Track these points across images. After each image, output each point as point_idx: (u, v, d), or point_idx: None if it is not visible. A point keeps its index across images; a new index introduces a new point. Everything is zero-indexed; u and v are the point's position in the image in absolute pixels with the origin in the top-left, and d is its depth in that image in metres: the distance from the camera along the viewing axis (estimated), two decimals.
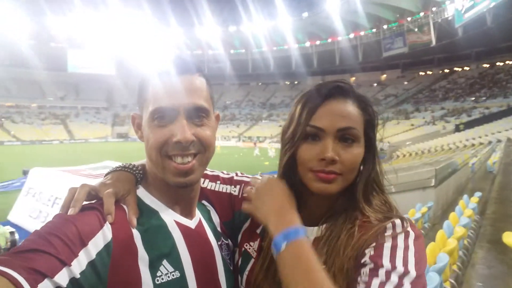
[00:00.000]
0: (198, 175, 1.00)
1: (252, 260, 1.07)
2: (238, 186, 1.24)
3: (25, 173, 16.67)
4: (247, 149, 44.93)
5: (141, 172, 1.07)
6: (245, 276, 1.06)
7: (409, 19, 55.25)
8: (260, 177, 1.14)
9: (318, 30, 65.33)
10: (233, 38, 75.83)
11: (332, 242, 0.92)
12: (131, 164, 1.09)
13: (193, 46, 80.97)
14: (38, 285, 0.69)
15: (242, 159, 33.13)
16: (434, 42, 52.58)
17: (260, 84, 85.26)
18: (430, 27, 52.11)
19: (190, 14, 66.37)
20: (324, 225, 0.98)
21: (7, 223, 11.27)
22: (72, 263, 0.75)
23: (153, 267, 0.90)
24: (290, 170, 1.01)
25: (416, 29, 54.33)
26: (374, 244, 0.84)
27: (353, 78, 74.24)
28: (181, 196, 1.04)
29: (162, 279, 0.90)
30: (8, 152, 39.73)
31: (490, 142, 27.73)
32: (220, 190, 1.24)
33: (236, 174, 1.29)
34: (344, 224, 0.94)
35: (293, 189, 1.00)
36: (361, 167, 0.99)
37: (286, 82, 80.00)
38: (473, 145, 28.35)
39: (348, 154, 0.93)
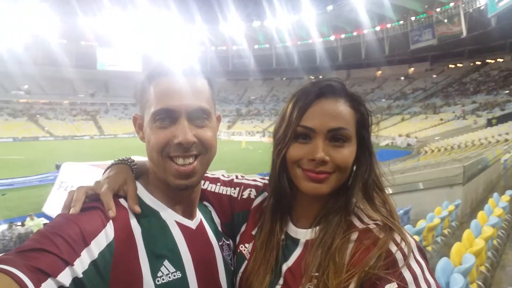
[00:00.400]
0: (199, 177, 1.01)
1: (246, 262, 1.07)
2: (237, 189, 1.26)
3: (57, 167, 17.37)
4: (271, 145, 45.06)
5: (135, 163, 1.09)
6: (238, 277, 1.07)
7: (438, 10, 53.35)
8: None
9: (343, 23, 64.22)
10: (257, 33, 75.75)
11: (325, 245, 0.91)
12: (126, 157, 1.12)
13: (218, 42, 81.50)
14: (42, 284, 0.69)
15: (266, 154, 33.54)
16: (465, 33, 50.53)
17: (284, 79, 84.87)
18: (461, 18, 50.09)
19: (215, 10, 66.69)
20: (318, 227, 0.97)
21: (42, 215, 11.87)
22: (74, 263, 0.76)
23: (154, 267, 0.90)
24: (282, 170, 1.00)
25: (445, 20, 52.39)
26: (395, 285, 0.78)
27: (379, 72, 72.74)
28: (182, 196, 1.04)
29: (163, 279, 0.90)
30: (43, 147, 41.50)
31: None
32: (220, 192, 1.25)
33: (236, 177, 1.32)
34: (338, 227, 0.93)
35: (286, 190, 1.00)
36: (354, 167, 0.98)
37: (311, 77, 79.15)
38: (506, 140, 27.18)
39: (339, 154, 0.92)
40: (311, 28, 65.09)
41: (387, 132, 45.83)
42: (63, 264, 0.74)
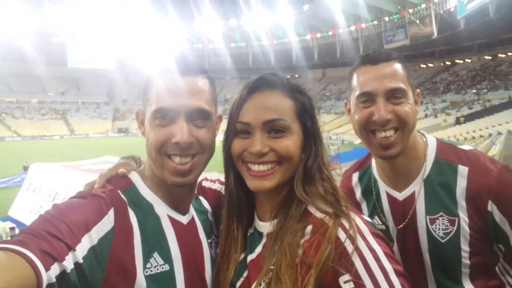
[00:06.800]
0: (195, 176, 1.03)
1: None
2: None
3: (25, 168, 16.64)
4: None
5: (139, 158, 1.18)
6: (212, 273, 1.10)
7: (410, 10, 54.73)
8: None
9: (319, 22, 64.84)
10: (234, 31, 75.39)
11: (280, 238, 0.91)
12: (133, 155, 1.23)
13: (194, 40, 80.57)
14: (51, 267, 0.72)
15: None
16: (435, 34, 52.08)
17: None
18: (432, 19, 51.59)
19: (191, 7, 65.72)
20: (276, 220, 0.97)
21: (8, 218, 11.29)
22: (76, 248, 0.79)
23: (145, 258, 0.94)
24: (229, 167, 1.04)
25: (417, 21, 53.84)
26: (348, 277, 0.79)
27: None
28: (177, 193, 1.06)
29: (151, 271, 0.93)
30: (9, 147, 39.83)
31: (490, 135, 27.61)
32: (216, 188, 1.31)
33: None
34: (291, 219, 0.92)
35: (233, 186, 1.04)
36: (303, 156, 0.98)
37: (287, 76, 79.21)
38: (473, 138, 28.32)
39: (279, 145, 0.93)
40: (288, 27, 65.36)
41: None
42: (67, 249, 0.77)
